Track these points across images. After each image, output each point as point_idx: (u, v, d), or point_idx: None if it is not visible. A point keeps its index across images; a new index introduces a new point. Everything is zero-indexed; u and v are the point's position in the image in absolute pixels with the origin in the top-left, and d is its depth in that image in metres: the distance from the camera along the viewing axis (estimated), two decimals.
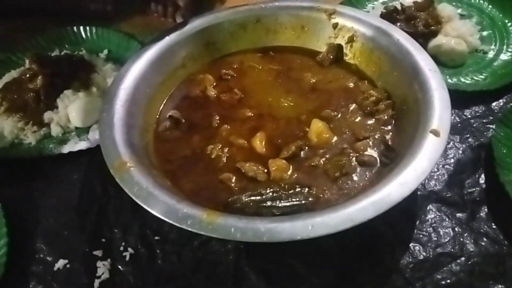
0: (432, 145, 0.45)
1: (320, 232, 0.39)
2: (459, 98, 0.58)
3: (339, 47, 0.64)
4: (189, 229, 0.40)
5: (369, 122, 0.56)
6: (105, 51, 0.75)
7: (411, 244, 0.47)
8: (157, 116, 0.60)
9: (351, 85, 0.61)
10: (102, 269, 0.48)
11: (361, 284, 0.45)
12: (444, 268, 0.45)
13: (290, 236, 0.39)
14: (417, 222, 0.49)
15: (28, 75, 0.66)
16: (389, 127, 0.55)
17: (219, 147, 0.55)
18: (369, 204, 0.40)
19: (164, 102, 0.62)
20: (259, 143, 0.55)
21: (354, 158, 0.52)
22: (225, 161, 0.54)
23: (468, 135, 0.58)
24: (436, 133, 0.46)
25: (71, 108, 0.65)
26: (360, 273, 0.45)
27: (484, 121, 0.60)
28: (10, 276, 0.47)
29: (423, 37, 0.69)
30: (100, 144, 0.49)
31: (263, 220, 0.41)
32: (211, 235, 0.40)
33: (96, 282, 0.47)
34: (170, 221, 0.41)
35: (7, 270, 0.47)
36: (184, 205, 0.43)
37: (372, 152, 0.52)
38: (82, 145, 0.61)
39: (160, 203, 0.43)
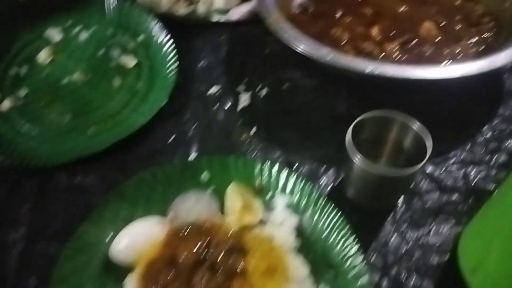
0: None
1: (436, 76, 0.51)
2: None
3: None
4: (329, 62, 0.54)
5: (473, 30, 0.66)
6: None
7: (494, 119, 0.58)
8: (290, 4, 0.73)
9: (459, 2, 0.71)
10: (244, 98, 0.63)
11: (447, 139, 0.57)
12: None
13: (405, 75, 0.52)
14: (500, 107, 0.60)
15: None
16: (490, 34, 0.65)
17: (341, 30, 0.67)
18: (478, 63, 0.52)
19: None
20: (376, 31, 0.66)
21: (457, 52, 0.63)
22: (346, 40, 0.66)
23: None
24: None
25: None
26: (445, 134, 0.57)
27: None
28: (176, 93, 0.62)
29: None
30: (257, 6, 0.63)
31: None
32: (346, 68, 0.53)
33: (239, 106, 0.62)
34: (314, 57, 0.55)
35: (175, 88, 0.62)
36: (323, 47, 0.56)
37: (473, 50, 0.63)
38: (223, 19, 0.75)
39: (305, 44, 0.57)
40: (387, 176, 0.44)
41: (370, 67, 0.52)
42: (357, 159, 0.44)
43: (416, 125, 0.46)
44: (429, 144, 0.44)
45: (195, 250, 0.43)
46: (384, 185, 0.47)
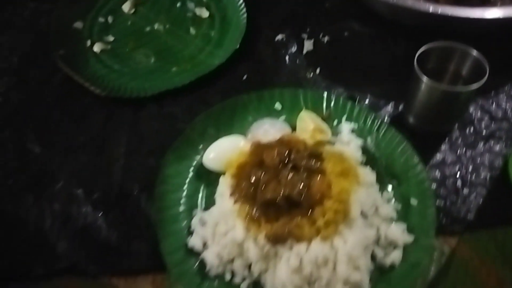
0: None
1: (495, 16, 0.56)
2: None
3: None
4: (395, 4, 0.60)
5: None
6: None
7: None
8: None
9: None
10: (308, 44, 0.70)
11: (498, 76, 0.60)
12: None
13: (464, 14, 0.57)
14: None
15: None
16: None
17: None
18: None
19: None
20: None
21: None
22: None
23: None
24: None
25: None
26: (496, 72, 0.62)
27: None
28: (246, 39, 0.69)
29: None
30: None
31: None
32: (410, 8, 0.59)
33: (304, 50, 0.70)
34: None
35: (245, 35, 0.70)
36: None
37: None
38: None
39: None
40: (449, 93, 0.50)
41: (433, 7, 0.58)
42: (424, 79, 0.50)
43: (475, 52, 0.52)
44: (487, 66, 0.50)
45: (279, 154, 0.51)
46: (444, 106, 0.53)
